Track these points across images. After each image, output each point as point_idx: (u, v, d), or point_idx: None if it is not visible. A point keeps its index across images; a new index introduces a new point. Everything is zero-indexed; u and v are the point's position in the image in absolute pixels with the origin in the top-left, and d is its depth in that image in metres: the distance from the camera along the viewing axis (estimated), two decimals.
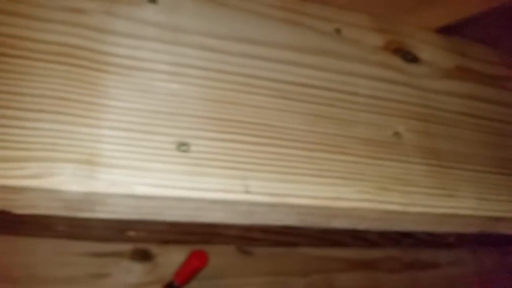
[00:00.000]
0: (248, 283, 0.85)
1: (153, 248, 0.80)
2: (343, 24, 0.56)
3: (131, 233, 0.65)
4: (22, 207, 0.37)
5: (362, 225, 0.47)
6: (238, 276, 0.84)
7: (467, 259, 1.08)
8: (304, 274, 0.89)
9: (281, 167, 0.43)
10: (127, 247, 0.78)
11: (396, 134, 0.51)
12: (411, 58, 0.58)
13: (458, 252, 1.06)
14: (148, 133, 0.40)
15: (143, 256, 0.79)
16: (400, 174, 0.48)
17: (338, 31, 0.55)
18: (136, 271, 0.79)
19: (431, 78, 0.58)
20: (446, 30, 0.64)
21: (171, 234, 0.67)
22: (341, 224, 0.47)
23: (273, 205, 0.41)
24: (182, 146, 0.40)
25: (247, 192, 0.40)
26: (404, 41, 0.59)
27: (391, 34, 0.59)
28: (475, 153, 0.54)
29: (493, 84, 0.63)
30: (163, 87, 0.42)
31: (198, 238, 0.70)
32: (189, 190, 0.38)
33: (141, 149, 0.39)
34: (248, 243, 0.78)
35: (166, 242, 0.75)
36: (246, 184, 0.40)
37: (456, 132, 0.55)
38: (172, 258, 0.79)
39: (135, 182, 0.37)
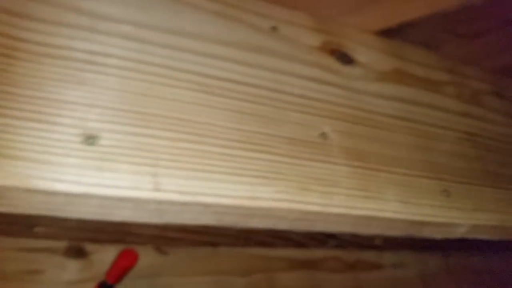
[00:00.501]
0: (186, 283, 0.84)
1: (88, 246, 0.78)
2: (281, 21, 0.55)
3: (39, 229, 0.63)
4: None
5: (282, 225, 0.47)
6: (176, 275, 0.83)
7: (410, 261, 1.09)
8: (245, 273, 0.89)
9: (197, 164, 0.41)
10: (61, 243, 0.76)
11: (323, 134, 0.50)
12: (347, 60, 0.58)
13: (402, 254, 1.08)
14: (53, 124, 0.38)
15: (78, 253, 0.77)
16: (322, 174, 0.47)
17: (274, 28, 0.54)
18: (70, 268, 0.77)
19: (365, 80, 0.58)
20: (387, 33, 0.64)
21: (81, 231, 0.65)
22: (260, 224, 0.46)
23: (185, 204, 0.40)
24: (89, 139, 0.38)
25: (157, 189, 0.38)
26: (341, 43, 0.59)
27: (329, 34, 0.58)
28: (404, 157, 0.54)
29: (430, 88, 0.64)
30: (77, 76, 0.41)
31: (112, 236, 0.69)
32: (93, 186, 0.37)
33: (44, 141, 0.37)
34: (166, 243, 0.76)
35: (80, 239, 0.73)
36: (156, 181, 0.39)
37: (386, 135, 0.55)
38: (107, 256, 0.77)
39: (35, 176, 0.35)
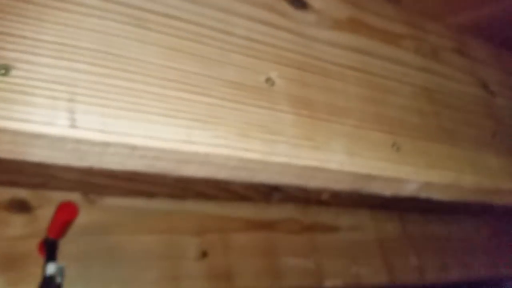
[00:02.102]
0: (138, 241, 0.81)
1: (32, 200, 0.74)
2: None
3: None
4: None
5: (221, 174, 0.44)
6: (126, 233, 0.79)
7: (368, 225, 1.09)
8: (198, 233, 0.86)
9: (124, 102, 0.38)
10: (2, 196, 0.71)
11: (269, 80, 0.47)
12: (300, 4, 0.54)
13: (359, 218, 1.07)
14: None
15: (21, 208, 0.73)
16: (265, 121, 0.44)
17: None
18: (14, 223, 0.72)
19: (318, 27, 0.54)
20: None
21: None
22: (197, 172, 0.42)
23: (107, 144, 0.36)
24: (1, 69, 0.34)
25: (73, 126, 0.34)
26: None
27: None
28: (354, 108, 0.52)
29: (387, 40, 0.61)
30: None
31: (32, 180, 0.65)
32: (4, 120, 0.33)
33: None
34: (93, 190, 0.72)
35: None
36: (73, 117, 0.35)
37: (337, 85, 0.52)
38: (53, 211, 0.73)
39: None
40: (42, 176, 0.61)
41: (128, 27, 0.41)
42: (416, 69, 0.61)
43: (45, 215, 0.74)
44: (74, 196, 0.67)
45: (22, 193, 0.75)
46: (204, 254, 0.87)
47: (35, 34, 0.37)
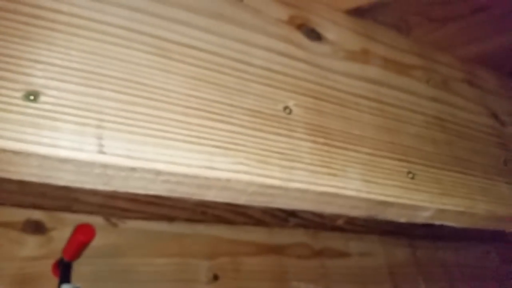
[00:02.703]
0: (151, 263, 0.81)
1: (47, 221, 0.74)
2: None
3: None
4: None
5: (240, 199, 0.44)
6: (139, 256, 0.79)
7: (378, 251, 1.08)
8: (210, 256, 0.86)
9: (149, 129, 0.38)
10: (19, 217, 0.72)
11: (286, 108, 0.47)
12: (315, 36, 0.55)
13: (369, 243, 1.06)
14: None
15: (36, 228, 0.73)
16: (284, 149, 0.44)
17: None
18: (28, 243, 0.72)
19: (333, 58, 0.55)
20: (357, 12, 0.61)
21: (23, 195, 0.61)
22: (217, 196, 0.43)
23: (133, 170, 0.36)
24: (31, 95, 0.35)
25: (101, 152, 0.35)
26: (310, 18, 0.56)
27: (297, 9, 0.55)
28: (369, 136, 0.52)
29: (398, 70, 0.61)
30: (22, 30, 0.37)
31: (56, 202, 0.65)
32: (32, 144, 0.33)
33: None
34: (115, 214, 0.73)
35: (23, 205, 0.69)
36: (100, 143, 0.35)
37: (352, 114, 0.52)
38: (68, 233, 0.73)
39: None
40: (66, 199, 0.61)
41: (152, 56, 0.42)
42: (428, 99, 0.62)
43: (59, 236, 0.74)
44: (96, 220, 0.67)
45: (37, 214, 0.75)
46: (215, 278, 0.87)
47: (63, 62, 0.38)
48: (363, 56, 0.58)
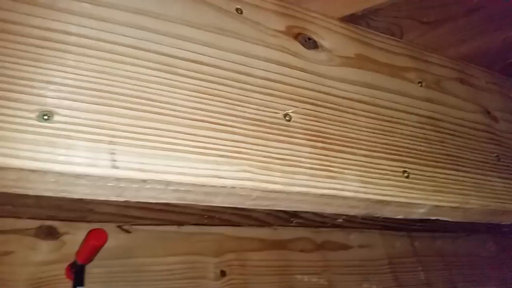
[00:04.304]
0: (161, 262, 0.82)
1: (60, 226, 0.75)
2: (245, 4, 0.53)
3: None
4: None
5: (245, 204, 0.45)
6: (148, 256, 0.81)
7: (377, 242, 1.09)
8: (217, 253, 0.87)
9: (158, 143, 0.40)
10: (32, 223, 0.73)
11: (286, 116, 0.49)
12: (311, 44, 0.56)
13: (369, 236, 1.08)
14: (8, 99, 0.35)
15: (49, 234, 0.75)
16: (284, 154, 0.46)
17: (239, 11, 0.52)
18: (41, 248, 0.74)
19: (329, 65, 0.56)
20: (351, 19, 0.62)
21: (39, 208, 0.62)
22: (223, 202, 0.44)
23: (144, 181, 0.38)
24: (44, 116, 0.36)
25: (114, 166, 0.36)
26: (306, 27, 0.57)
27: (294, 19, 0.57)
28: (365, 139, 0.53)
29: (392, 73, 0.63)
30: (34, 52, 0.38)
31: (72, 214, 0.66)
32: (48, 163, 0.35)
33: None
34: (128, 221, 0.74)
35: (39, 217, 0.71)
36: (113, 158, 0.37)
37: (348, 118, 0.53)
38: (80, 236, 0.74)
39: None
40: (81, 211, 0.63)
41: (159, 73, 0.43)
42: (421, 100, 0.63)
43: (71, 240, 0.76)
44: (109, 226, 0.69)
45: (49, 220, 0.77)
46: (222, 274, 0.88)
47: (74, 82, 0.39)
48: (357, 62, 0.59)
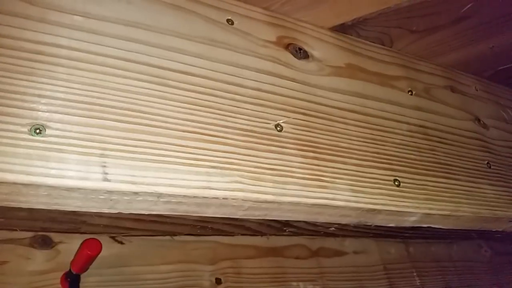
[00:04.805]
0: (156, 271, 0.82)
1: (54, 236, 0.75)
2: (236, 15, 0.54)
3: None
4: None
5: (237, 214, 0.45)
6: (143, 264, 0.81)
7: (372, 248, 1.09)
8: (212, 261, 0.87)
9: (149, 155, 0.40)
10: (25, 234, 0.73)
11: (277, 126, 0.49)
12: (302, 54, 0.57)
13: (364, 242, 1.08)
14: (1, 114, 0.35)
15: (43, 243, 0.74)
16: (276, 165, 0.46)
17: (230, 22, 0.53)
18: (36, 258, 0.74)
19: (319, 74, 0.57)
20: (341, 29, 0.63)
21: (33, 221, 0.62)
22: (215, 213, 0.44)
23: (135, 194, 0.38)
24: (36, 129, 0.36)
25: (106, 179, 0.37)
26: (296, 38, 0.58)
27: (285, 29, 0.57)
28: (356, 148, 0.54)
29: (382, 82, 0.63)
30: (25, 66, 0.39)
31: (65, 226, 0.66)
32: (40, 176, 0.35)
33: None
34: (121, 232, 0.74)
35: (33, 229, 0.71)
36: (105, 171, 0.37)
37: (339, 127, 0.54)
38: (74, 246, 0.74)
39: None
40: (74, 222, 0.63)
41: (150, 84, 0.43)
42: (411, 108, 0.64)
43: (66, 249, 0.76)
44: (102, 237, 0.69)
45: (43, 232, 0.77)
46: (218, 281, 0.88)
47: (66, 95, 0.39)
48: (348, 71, 0.60)
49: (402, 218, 0.54)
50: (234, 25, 0.53)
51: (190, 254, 0.86)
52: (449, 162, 0.62)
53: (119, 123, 0.40)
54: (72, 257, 0.71)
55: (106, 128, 0.39)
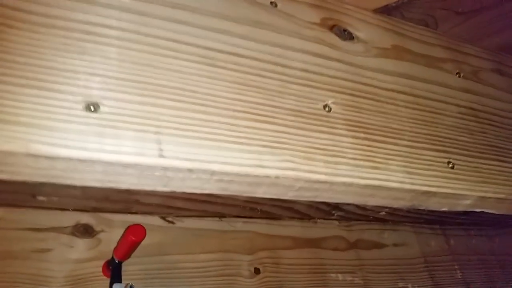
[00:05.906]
0: (194, 260, 0.82)
1: (96, 224, 0.76)
2: None
3: (42, 199, 0.60)
4: None
5: (288, 195, 0.44)
6: (183, 253, 0.80)
7: (412, 241, 1.06)
8: (250, 251, 0.86)
9: (201, 133, 0.39)
10: (68, 221, 0.74)
11: (326, 106, 0.47)
12: (347, 36, 0.55)
13: (404, 234, 1.05)
14: (54, 91, 0.35)
15: (85, 232, 0.75)
16: (326, 145, 0.45)
17: (274, 4, 0.52)
18: (78, 246, 0.74)
19: (366, 56, 0.55)
20: (385, 11, 0.61)
21: (86, 200, 0.62)
22: (266, 193, 0.43)
23: (191, 171, 0.37)
24: (91, 106, 0.36)
25: (161, 156, 0.36)
26: (341, 19, 0.56)
27: (328, 11, 0.56)
28: (407, 129, 0.52)
29: (429, 64, 0.61)
30: (77, 45, 0.38)
31: (117, 205, 0.66)
32: (96, 152, 0.34)
33: (45, 107, 0.34)
34: (172, 213, 0.74)
35: (85, 209, 0.71)
36: (160, 147, 0.36)
37: (388, 108, 0.52)
38: (115, 235, 0.74)
39: (36, 141, 0.33)
40: (127, 201, 0.63)
41: (199, 65, 0.42)
42: (460, 90, 0.61)
43: (107, 238, 0.76)
44: (153, 219, 0.69)
45: (85, 218, 0.77)
46: (256, 271, 0.87)
47: (119, 74, 0.39)
48: (394, 52, 0.58)
49: (456, 201, 0.51)
50: (278, 7, 0.52)
51: (229, 244, 0.85)
52: (500, 145, 0.59)
53: (172, 102, 0.39)
54: (113, 247, 0.72)
55: (160, 107, 0.38)
